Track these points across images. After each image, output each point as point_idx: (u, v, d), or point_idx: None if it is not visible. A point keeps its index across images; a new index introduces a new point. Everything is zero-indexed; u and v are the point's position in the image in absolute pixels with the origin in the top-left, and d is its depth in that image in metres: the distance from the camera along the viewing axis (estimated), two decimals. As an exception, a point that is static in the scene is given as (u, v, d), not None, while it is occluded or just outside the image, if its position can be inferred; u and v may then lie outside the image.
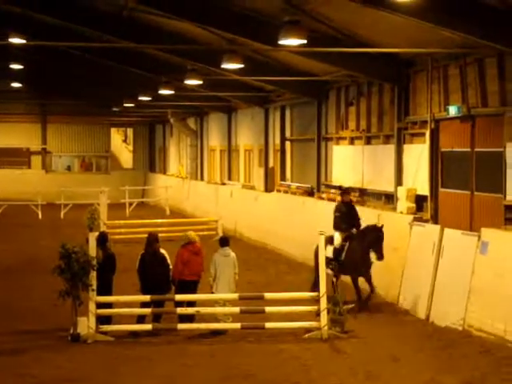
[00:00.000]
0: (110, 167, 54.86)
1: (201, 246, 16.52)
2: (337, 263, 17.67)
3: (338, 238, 17.94)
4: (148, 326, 15.40)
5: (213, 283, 15.83)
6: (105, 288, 15.25)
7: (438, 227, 17.64)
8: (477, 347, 14.26)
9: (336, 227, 18.05)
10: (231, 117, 38.63)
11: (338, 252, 17.79)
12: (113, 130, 56.75)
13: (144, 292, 15.77)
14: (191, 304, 15.74)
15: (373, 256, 17.58)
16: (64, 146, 53.66)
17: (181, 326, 15.42)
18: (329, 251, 17.32)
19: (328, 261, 16.71)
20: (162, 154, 53.73)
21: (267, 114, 33.06)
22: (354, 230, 17.87)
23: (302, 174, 29.63)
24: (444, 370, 12.94)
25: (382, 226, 17.38)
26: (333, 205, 24.35)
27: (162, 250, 15.98)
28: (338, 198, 19.96)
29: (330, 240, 17.60)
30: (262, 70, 25.93)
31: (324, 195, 25.96)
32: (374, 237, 17.34)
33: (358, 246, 17.54)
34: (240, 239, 30.35)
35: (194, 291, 15.96)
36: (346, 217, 17.95)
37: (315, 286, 16.45)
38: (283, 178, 31.24)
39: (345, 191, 18.97)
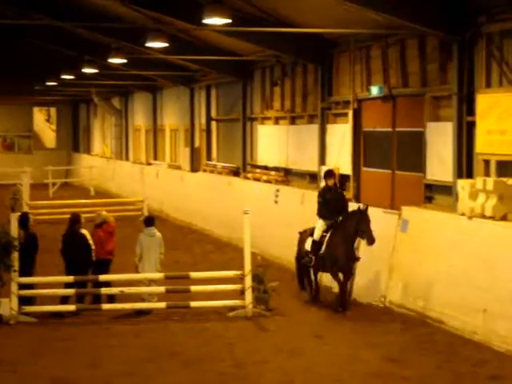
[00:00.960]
0: (33, 147, 53.91)
1: (115, 225, 16.54)
2: (314, 257, 15.72)
3: (319, 228, 15.76)
4: (72, 307, 15.29)
5: (138, 263, 15.81)
6: (27, 268, 15.08)
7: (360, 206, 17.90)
8: (397, 323, 14.58)
9: (319, 214, 15.94)
10: (156, 96, 38.38)
11: (317, 245, 15.69)
12: (36, 110, 55.71)
13: (67, 273, 15.68)
14: (108, 284, 15.74)
15: (362, 243, 15.62)
16: (-16, 125, 52.48)
17: (105, 306, 15.36)
18: (308, 243, 15.93)
19: (306, 255, 15.91)
20: (86, 134, 53.07)
21: (193, 93, 32.97)
22: (340, 218, 15.55)
23: (228, 154, 29.69)
24: (366, 346, 13.20)
25: (367, 208, 15.10)
26: (258, 185, 24.66)
27: (84, 231, 15.90)
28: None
29: (311, 232, 16.05)
30: (187, 50, 25.83)
31: (250, 175, 26.08)
32: (356, 221, 15.05)
33: (340, 236, 15.33)
34: (166, 219, 30.26)
35: (107, 270, 16.05)
36: (330, 204, 15.65)
37: (302, 289, 16.57)
38: (209, 157, 31.25)
39: (328, 174, 16.07)
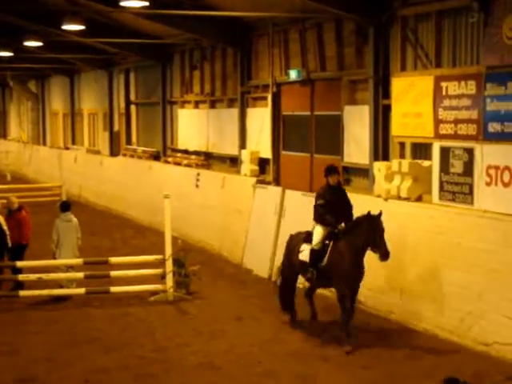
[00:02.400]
0: None
1: (28, 211, 16.48)
2: (315, 270, 12.77)
3: (318, 234, 12.81)
4: (-12, 294, 15.04)
5: (55, 249, 15.62)
6: None
7: (279, 189, 18.08)
8: (319, 305, 14.77)
9: (318, 219, 12.93)
10: (74, 80, 37.79)
11: (317, 255, 12.72)
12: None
13: (-17, 259, 15.43)
14: (19, 270, 15.55)
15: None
16: None
17: (23, 292, 15.13)
18: (305, 253, 12.99)
19: (304, 267, 12.98)
20: (2, 118, 51.95)
21: (111, 76, 32.57)
22: (342, 225, 12.75)
23: (148, 138, 29.49)
24: (286, 327, 13.37)
25: (380, 214, 12.22)
26: (179, 169, 24.57)
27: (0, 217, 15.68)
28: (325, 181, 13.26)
29: (307, 237, 13.16)
30: (105, 32, 25.47)
31: (170, 159, 25.97)
32: (368, 230, 12.14)
33: (347, 246, 12.40)
34: (85, 204, 29.91)
35: (22, 255, 15.91)
36: (332, 206, 12.76)
37: (285, 308, 13.73)
38: (129, 142, 30.97)
39: (331, 170, 13.02)
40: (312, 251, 12.78)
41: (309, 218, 16.37)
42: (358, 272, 12.38)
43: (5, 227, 15.54)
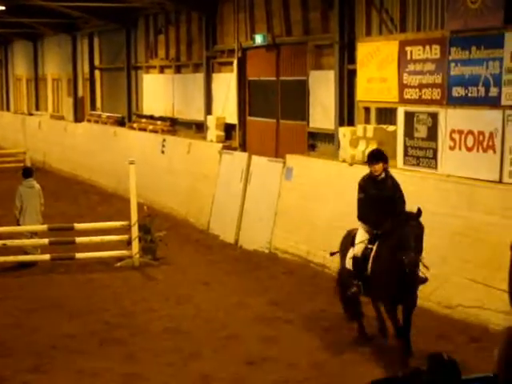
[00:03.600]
0: None
1: None
2: (360, 282, 10.37)
3: (360, 236, 10.46)
4: (-48, 262, 14.92)
5: (19, 216, 15.51)
6: None
7: (245, 155, 18.09)
8: (282, 269, 14.90)
9: (360, 218, 10.49)
10: (37, 44, 37.24)
11: (359, 262, 10.38)
12: None
13: None
14: None
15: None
16: None
17: (-13, 260, 15.04)
18: (348, 260, 10.63)
19: (347, 275, 10.63)
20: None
21: (75, 41, 32.12)
22: (387, 226, 10.02)
23: (113, 104, 29.22)
24: (252, 291, 13.46)
25: (419, 213, 9.69)
26: (144, 134, 24.43)
27: None
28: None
29: (351, 238, 10.67)
30: (68, -4, 25.11)
31: (135, 125, 25.80)
32: (402, 233, 9.62)
33: (388, 250, 9.93)
34: (50, 171, 29.68)
35: None
36: (375, 202, 10.22)
37: (350, 318, 11.07)
38: (93, 107, 30.67)
39: (373, 156, 10.36)
40: (353, 259, 10.42)
41: (274, 184, 16.47)
42: (402, 282, 9.68)
43: None
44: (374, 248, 10.19)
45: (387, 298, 10.04)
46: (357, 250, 10.37)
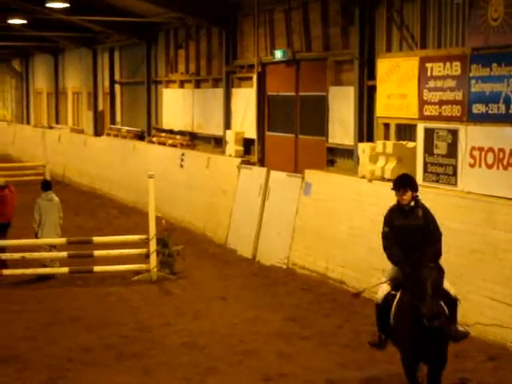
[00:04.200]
0: None
1: (13, 189, 16.52)
2: (383, 335, 9.04)
3: (388, 275, 9.18)
4: (-29, 273, 14.98)
5: (38, 229, 15.57)
6: None
7: (264, 169, 18.09)
8: (300, 284, 14.85)
9: (389, 257, 9.00)
10: (58, 58, 37.53)
11: (381, 311, 8.99)
12: None
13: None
14: (1, 249, 15.49)
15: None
16: None
17: (6, 271, 15.08)
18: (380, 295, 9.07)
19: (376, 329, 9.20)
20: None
21: (95, 55, 32.36)
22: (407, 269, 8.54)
23: (133, 118, 29.36)
24: (269, 307, 13.41)
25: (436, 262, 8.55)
26: (163, 149, 24.49)
27: None
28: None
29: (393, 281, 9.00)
30: (90, 10, 25.29)
31: (155, 139, 25.89)
32: (418, 277, 8.21)
33: (407, 300, 8.47)
34: (69, 184, 29.82)
35: (4, 234, 15.94)
36: (403, 236, 8.79)
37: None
38: (113, 121, 30.82)
39: (400, 182, 8.95)
40: (376, 308, 9.04)
41: (293, 199, 16.43)
42: (421, 337, 8.23)
43: None
44: (398, 295, 8.71)
45: (403, 355, 8.66)
46: (379, 296, 8.96)
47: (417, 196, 8.91)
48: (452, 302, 8.68)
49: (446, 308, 8.46)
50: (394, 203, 8.99)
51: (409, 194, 8.82)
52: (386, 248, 8.96)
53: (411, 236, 8.73)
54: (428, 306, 7.98)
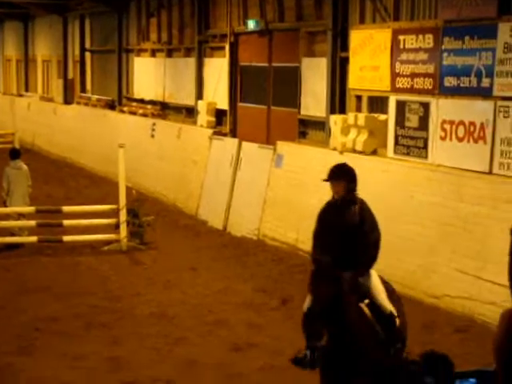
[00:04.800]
0: None
1: None
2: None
3: (307, 305, 7.08)
4: None
5: (6, 197, 15.41)
6: None
7: (236, 140, 18.02)
8: (270, 255, 14.87)
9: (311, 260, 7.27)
10: (28, 25, 36.99)
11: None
12: None
13: None
14: None
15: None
16: None
17: (-26, 241, 14.96)
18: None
19: None
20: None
21: (66, 23, 31.88)
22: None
23: (103, 87, 29.05)
24: (239, 277, 13.43)
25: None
26: (134, 118, 24.30)
27: None
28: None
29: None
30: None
31: (125, 108, 25.66)
32: None
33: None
34: (38, 153, 29.52)
35: None
36: (334, 236, 7.35)
37: None
38: (83, 90, 30.49)
39: (332, 173, 7.57)
40: (303, 317, 7.23)
41: (264, 171, 16.40)
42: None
43: None
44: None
45: None
46: (305, 303, 7.14)
47: (354, 190, 7.51)
48: (387, 321, 7.17)
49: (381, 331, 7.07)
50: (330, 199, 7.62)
51: (342, 186, 7.39)
52: (312, 249, 7.50)
53: (341, 237, 7.25)
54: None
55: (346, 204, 7.43)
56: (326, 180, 7.54)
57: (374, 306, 7.18)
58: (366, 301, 7.15)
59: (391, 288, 7.65)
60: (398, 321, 7.28)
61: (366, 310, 7.12)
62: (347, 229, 7.30)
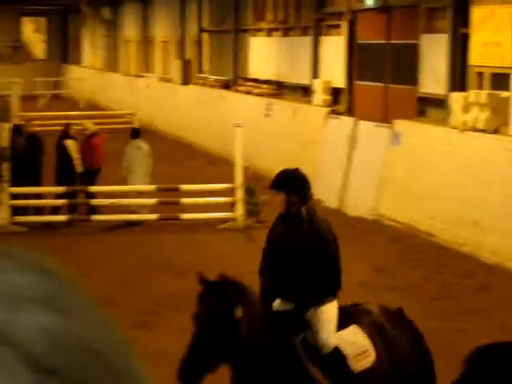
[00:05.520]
0: (22, 58, 53.09)
1: (103, 137, 16.78)
2: None
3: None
4: (62, 217, 15.32)
5: (127, 176, 15.79)
6: (33, 175, 15.20)
7: (352, 119, 17.85)
8: (387, 235, 14.69)
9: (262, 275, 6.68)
10: (147, 6, 37.67)
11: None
12: (25, 21, 54.66)
13: (57, 183, 15.73)
14: (91, 195, 15.79)
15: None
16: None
17: (96, 217, 15.39)
18: None
19: None
20: (76, 45, 52.26)
21: (184, 3, 32.32)
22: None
23: (220, 67, 29.31)
24: (356, 257, 13.29)
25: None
26: (250, 98, 24.41)
27: (68, 142, 15.86)
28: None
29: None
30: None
31: (241, 88, 25.83)
32: None
33: None
34: (156, 132, 30.10)
35: (94, 181, 16.18)
36: (282, 256, 6.37)
37: None
38: (200, 70, 30.86)
39: (274, 182, 6.47)
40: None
41: (381, 150, 16.18)
42: None
43: (72, 152, 15.73)
44: None
45: None
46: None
47: (301, 203, 6.12)
48: (330, 362, 5.92)
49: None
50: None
51: (283, 198, 6.13)
52: (261, 271, 6.57)
53: (288, 257, 6.16)
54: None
55: (291, 220, 6.18)
56: (272, 186, 6.40)
57: (307, 342, 5.96)
58: (301, 336, 5.94)
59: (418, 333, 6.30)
60: (363, 361, 5.91)
61: (299, 347, 5.89)
62: (292, 248, 6.11)
